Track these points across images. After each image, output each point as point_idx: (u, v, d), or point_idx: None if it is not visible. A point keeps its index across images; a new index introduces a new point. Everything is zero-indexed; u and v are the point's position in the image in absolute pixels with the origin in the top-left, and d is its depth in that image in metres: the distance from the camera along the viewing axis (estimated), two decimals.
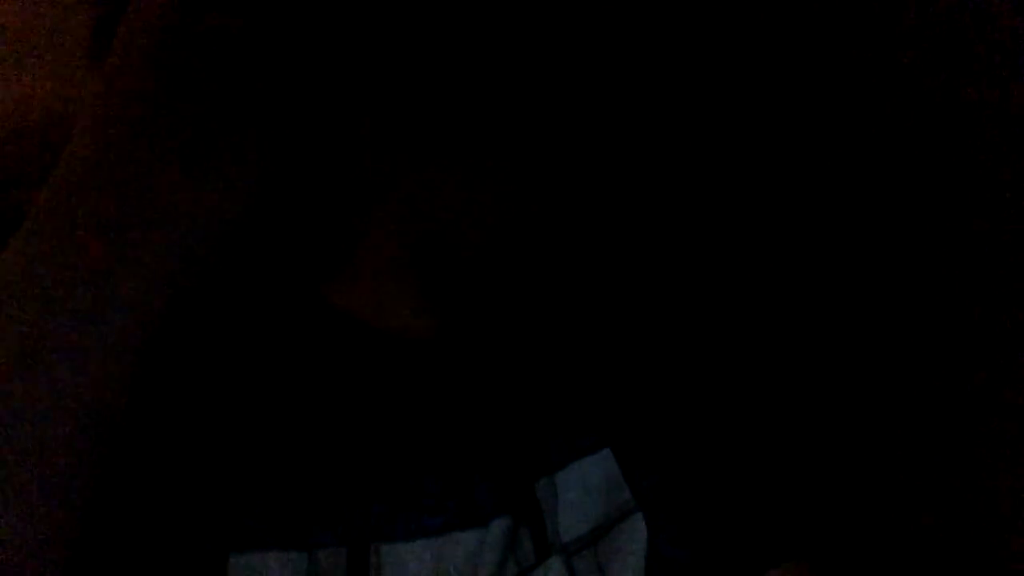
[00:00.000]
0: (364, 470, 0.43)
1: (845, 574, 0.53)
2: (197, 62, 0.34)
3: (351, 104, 0.40)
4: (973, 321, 0.51)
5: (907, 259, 0.53)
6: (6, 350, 0.32)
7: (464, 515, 0.43)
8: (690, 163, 0.55)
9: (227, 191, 0.35)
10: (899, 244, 0.53)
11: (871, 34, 0.51)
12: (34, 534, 0.32)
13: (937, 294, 0.52)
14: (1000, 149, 0.49)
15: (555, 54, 0.44)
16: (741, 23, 0.53)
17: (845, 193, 0.54)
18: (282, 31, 0.35)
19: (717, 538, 0.48)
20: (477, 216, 0.46)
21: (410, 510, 0.43)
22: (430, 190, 0.44)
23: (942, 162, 0.51)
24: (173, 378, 0.41)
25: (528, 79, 0.44)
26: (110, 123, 0.34)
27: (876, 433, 0.55)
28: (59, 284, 0.32)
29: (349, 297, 0.46)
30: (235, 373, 0.44)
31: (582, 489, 0.46)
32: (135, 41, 0.34)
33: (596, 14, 0.45)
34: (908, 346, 0.53)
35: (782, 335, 0.56)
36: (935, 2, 0.48)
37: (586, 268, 0.52)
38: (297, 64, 0.36)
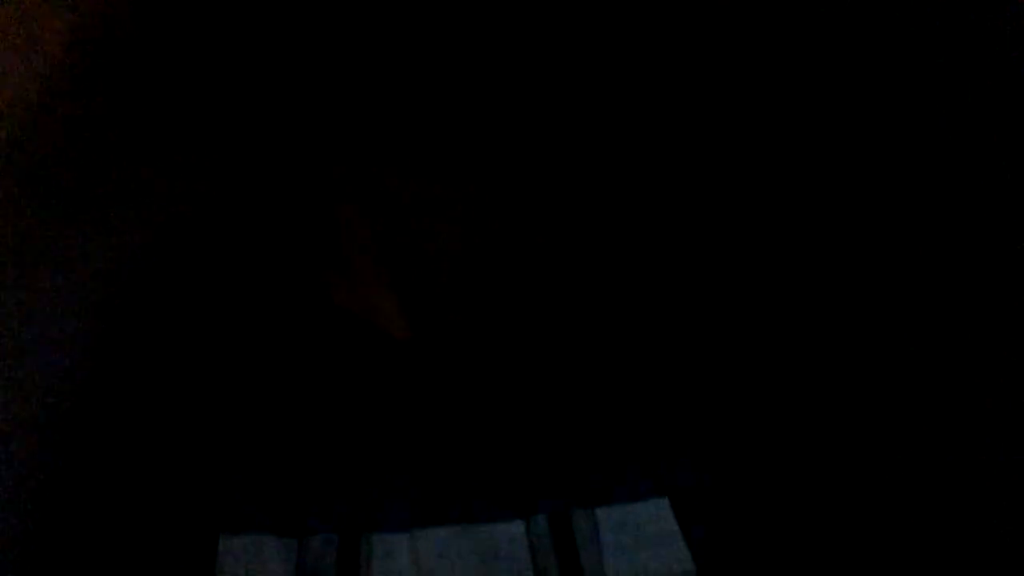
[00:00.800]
0: (359, 460, 0.44)
1: None
2: (157, 61, 0.35)
3: (320, 110, 0.41)
4: (974, 321, 0.51)
5: (911, 260, 0.53)
6: None
7: (446, 510, 0.43)
8: (677, 169, 0.55)
9: (189, 183, 0.35)
10: (902, 245, 0.53)
11: (871, 33, 0.50)
12: None
13: (938, 294, 0.52)
14: (1001, 148, 0.49)
15: (529, 64, 0.44)
16: (733, 22, 0.53)
17: (846, 193, 0.53)
18: (248, 39, 0.36)
19: None
20: (453, 227, 0.47)
21: (400, 501, 0.43)
22: (404, 200, 0.46)
23: (942, 161, 0.51)
24: (169, 364, 0.42)
25: (503, 89, 0.44)
26: (64, 115, 0.34)
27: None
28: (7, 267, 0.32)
29: (345, 295, 0.47)
30: (236, 363, 0.45)
31: (633, 536, 0.44)
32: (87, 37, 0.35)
33: (574, 24, 0.45)
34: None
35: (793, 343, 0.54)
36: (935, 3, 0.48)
37: (581, 274, 0.51)
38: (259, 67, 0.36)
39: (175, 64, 0.35)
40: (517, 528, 0.43)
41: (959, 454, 0.50)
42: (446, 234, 0.46)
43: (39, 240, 0.32)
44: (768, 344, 0.51)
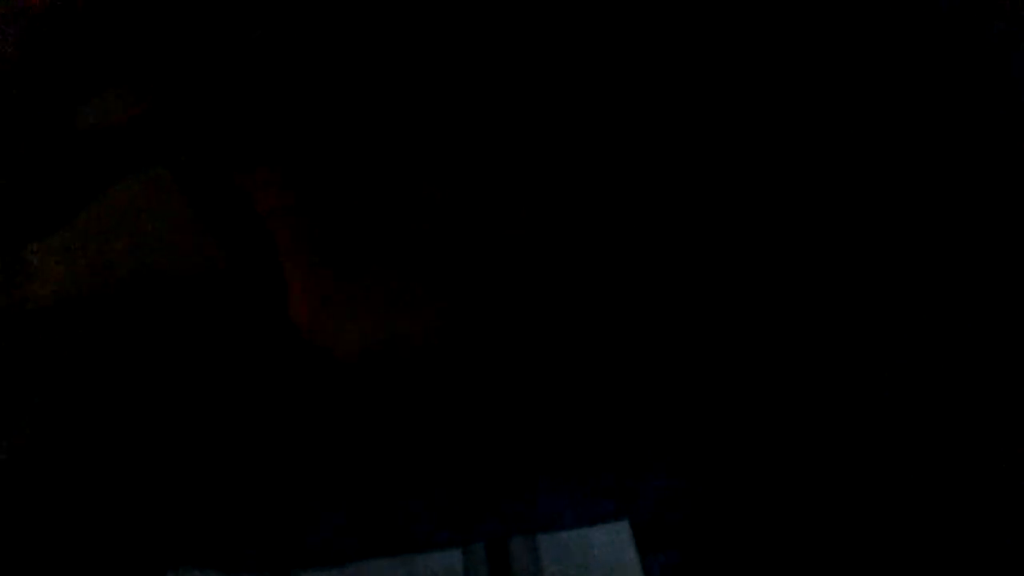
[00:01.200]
0: (293, 493, 0.44)
1: None
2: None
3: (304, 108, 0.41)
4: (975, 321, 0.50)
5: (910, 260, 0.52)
6: None
7: (381, 540, 0.44)
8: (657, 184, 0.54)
9: None
10: (902, 245, 0.52)
11: (871, 33, 0.50)
12: None
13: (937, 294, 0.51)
14: (1000, 148, 0.48)
15: (522, 64, 0.44)
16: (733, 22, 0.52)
17: (847, 193, 0.53)
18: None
19: None
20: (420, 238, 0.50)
21: (334, 531, 0.44)
22: (372, 212, 0.46)
23: (942, 162, 0.50)
24: (116, 395, 0.42)
25: (495, 89, 0.44)
26: None
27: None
28: None
29: (300, 310, 0.48)
30: (185, 393, 0.44)
31: (581, 564, 0.42)
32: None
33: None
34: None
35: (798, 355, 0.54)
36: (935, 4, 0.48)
37: (541, 286, 0.51)
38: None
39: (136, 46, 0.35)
40: (454, 557, 0.42)
41: (946, 481, 0.49)
42: (412, 245, 0.47)
43: None
44: (749, 360, 0.50)
